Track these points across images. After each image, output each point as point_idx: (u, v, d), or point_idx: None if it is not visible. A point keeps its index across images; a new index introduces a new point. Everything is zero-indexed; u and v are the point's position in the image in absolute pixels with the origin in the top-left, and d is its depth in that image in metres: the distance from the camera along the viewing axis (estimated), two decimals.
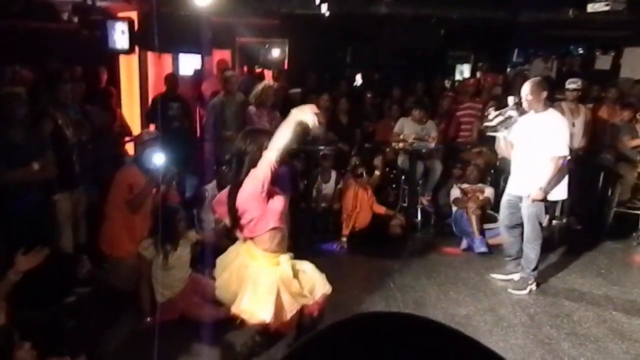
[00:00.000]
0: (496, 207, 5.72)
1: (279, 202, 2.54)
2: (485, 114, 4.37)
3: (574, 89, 5.85)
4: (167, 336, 3.04)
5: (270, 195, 2.50)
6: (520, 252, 4.30)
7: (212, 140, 5.46)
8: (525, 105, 4.03)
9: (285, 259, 2.64)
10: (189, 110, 5.96)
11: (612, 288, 4.33)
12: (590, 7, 4.81)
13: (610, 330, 3.60)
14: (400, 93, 7.31)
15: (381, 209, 5.48)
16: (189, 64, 7.45)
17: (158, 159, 3.72)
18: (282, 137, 2.41)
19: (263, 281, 2.55)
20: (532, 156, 4.01)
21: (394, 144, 5.90)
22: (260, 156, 2.48)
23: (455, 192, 5.55)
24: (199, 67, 7.10)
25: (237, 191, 2.52)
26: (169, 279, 3.53)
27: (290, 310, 2.57)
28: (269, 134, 2.57)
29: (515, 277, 4.30)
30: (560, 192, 4.10)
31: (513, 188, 4.22)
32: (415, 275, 4.52)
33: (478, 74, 10.65)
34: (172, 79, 5.66)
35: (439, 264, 4.79)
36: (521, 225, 4.21)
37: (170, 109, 5.32)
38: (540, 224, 4.12)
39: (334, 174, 5.65)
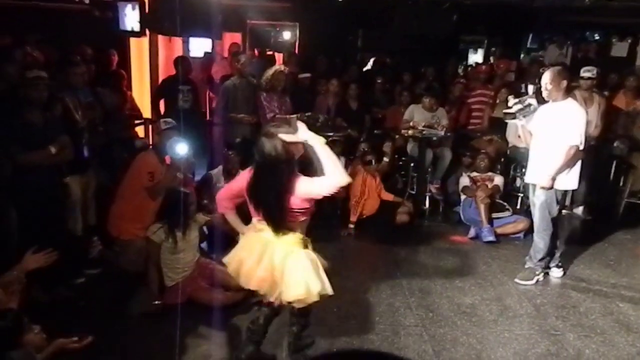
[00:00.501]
0: (505, 196, 5.72)
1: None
2: (506, 100, 4.33)
3: (589, 78, 5.75)
4: (174, 319, 3.10)
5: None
6: (553, 249, 4.27)
7: (222, 124, 5.46)
8: (545, 94, 3.99)
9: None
10: (198, 93, 5.95)
11: (620, 280, 4.31)
12: None
13: (617, 323, 3.59)
14: (411, 79, 7.24)
15: (389, 196, 5.47)
16: (199, 46, 7.44)
17: (181, 149, 3.78)
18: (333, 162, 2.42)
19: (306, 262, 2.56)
20: (548, 145, 4.00)
21: (403, 131, 5.86)
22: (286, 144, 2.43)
23: (464, 181, 5.52)
24: (209, 49, 7.07)
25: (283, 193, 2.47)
26: (178, 263, 3.57)
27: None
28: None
29: (556, 272, 4.32)
30: (571, 182, 4.06)
31: (528, 176, 4.24)
32: (422, 263, 4.53)
33: (491, 60, 10.50)
34: (183, 62, 5.64)
35: (446, 252, 4.79)
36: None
37: (180, 91, 5.31)
38: (551, 214, 4.08)
39: (342, 160, 5.62)
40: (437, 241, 5.06)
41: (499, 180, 5.47)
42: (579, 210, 5.92)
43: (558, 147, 3.93)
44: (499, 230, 5.12)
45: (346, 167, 5.60)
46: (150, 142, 5.51)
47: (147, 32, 5.81)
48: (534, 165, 4.14)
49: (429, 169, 5.95)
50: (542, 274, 4.25)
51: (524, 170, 5.85)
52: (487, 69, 7.30)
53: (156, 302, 3.48)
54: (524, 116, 4.08)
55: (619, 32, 9.55)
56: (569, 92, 4.11)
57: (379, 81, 7.07)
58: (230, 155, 4.74)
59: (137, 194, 3.89)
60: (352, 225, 5.19)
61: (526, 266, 4.27)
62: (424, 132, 5.70)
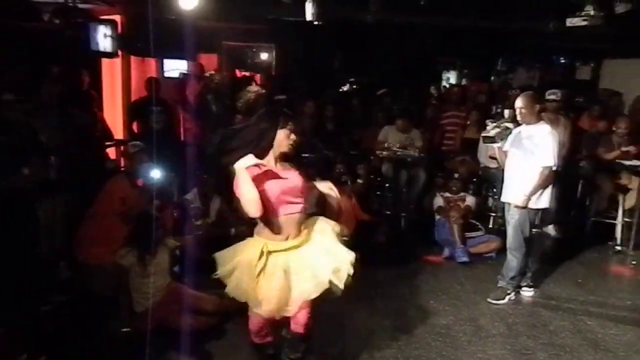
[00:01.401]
0: (478, 215, 5.81)
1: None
2: (477, 122, 4.44)
3: (554, 100, 5.94)
4: (144, 346, 3.02)
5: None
6: (524, 268, 4.35)
7: (196, 145, 5.42)
8: (519, 117, 4.14)
9: None
10: (172, 115, 5.92)
11: (588, 297, 4.40)
12: (569, 22, 4.89)
13: (585, 340, 3.66)
14: (387, 100, 7.36)
15: (365, 217, 5.50)
16: (174, 67, 7.41)
17: (154, 172, 3.75)
18: (244, 193, 2.39)
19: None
20: (522, 166, 4.13)
21: (378, 152, 5.93)
22: (274, 134, 2.47)
23: (438, 201, 5.60)
24: (184, 70, 7.05)
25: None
26: (147, 287, 3.50)
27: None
28: (289, 114, 2.59)
29: (527, 292, 4.40)
30: (543, 201, 4.18)
31: (503, 195, 4.35)
32: (397, 284, 4.54)
33: (464, 81, 10.77)
34: (153, 83, 5.62)
35: (421, 272, 4.82)
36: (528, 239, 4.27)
37: (151, 113, 5.27)
38: (524, 233, 4.16)
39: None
40: (412, 262, 5.09)
41: (471, 200, 5.56)
42: (549, 229, 6.05)
43: (532, 168, 4.06)
44: (472, 250, 5.19)
45: None
46: (122, 165, 5.44)
47: (120, 52, 5.77)
48: (509, 185, 4.25)
49: (404, 190, 6.02)
50: (514, 292, 4.31)
51: (495, 190, 6.00)
52: (459, 90, 7.48)
53: (125, 329, 3.39)
54: (502, 139, 4.20)
55: (583, 56, 9.94)
56: (540, 116, 4.25)
57: (355, 102, 7.17)
58: (206, 179, 4.71)
59: (108, 219, 3.83)
60: None
61: (498, 285, 4.33)
62: (398, 153, 5.79)
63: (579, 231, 6.02)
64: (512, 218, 4.20)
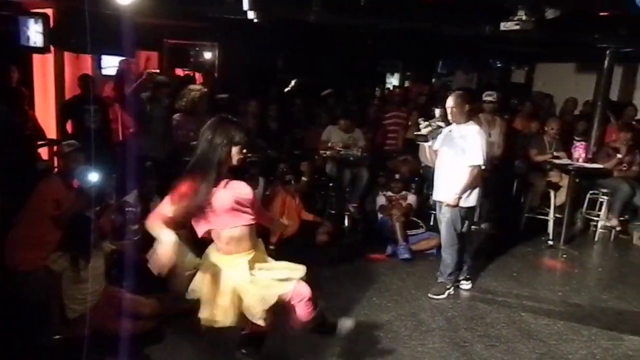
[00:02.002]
0: (419, 213, 5.96)
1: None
2: (417, 123, 4.52)
3: (490, 101, 6.20)
4: (79, 353, 2.89)
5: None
6: (460, 263, 4.47)
7: (135, 144, 5.24)
8: (449, 116, 4.26)
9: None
10: (108, 114, 5.70)
11: (522, 290, 4.61)
12: (503, 26, 5.10)
13: (519, 331, 3.83)
14: (330, 100, 7.42)
15: (309, 216, 5.52)
16: (112, 64, 7.14)
17: (91, 175, 3.57)
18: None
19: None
20: (451, 164, 4.24)
21: (321, 151, 5.97)
22: (229, 150, 2.40)
23: (380, 200, 5.69)
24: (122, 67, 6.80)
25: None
26: (81, 293, 3.34)
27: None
28: (240, 126, 2.51)
29: (462, 285, 4.52)
30: (472, 200, 4.31)
31: (436, 194, 4.44)
32: (341, 282, 4.58)
33: (407, 83, 11.05)
34: (88, 81, 5.38)
35: (365, 270, 4.88)
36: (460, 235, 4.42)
37: (86, 111, 5.05)
38: (457, 230, 4.29)
39: (262, 181, 5.61)
40: (356, 260, 5.15)
41: (412, 198, 5.69)
42: (486, 225, 6.29)
43: (462, 167, 4.17)
44: (413, 247, 5.31)
45: (266, 188, 5.60)
46: (55, 165, 5.18)
47: (52, 48, 5.49)
48: (439, 184, 4.36)
49: (348, 189, 6.08)
50: (453, 287, 4.45)
51: None
52: (401, 92, 7.66)
53: (56, 337, 3.23)
54: (433, 138, 4.30)
55: (518, 60, 10.44)
56: (472, 115, 4.40)
57: (298, 102, 7.18)
58: (146, 179, 4.56)
59: (40, 222, 3.62)
60: (272, 247, 5.15)
61: (438, 281, 4.45)
62: (341, 153, 5.84)
63: (514, 227, 6.31)
64: (444, 216, 4.30)
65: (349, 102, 7.42)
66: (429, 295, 4.34)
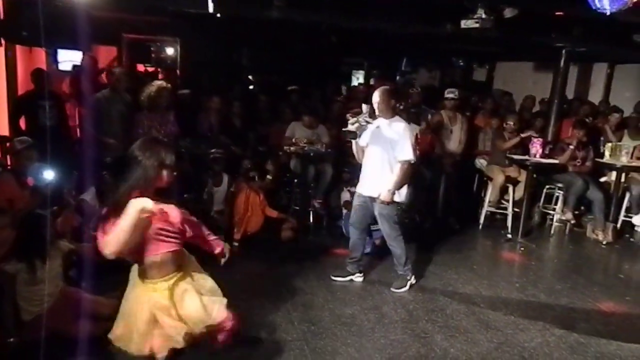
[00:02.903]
0: None
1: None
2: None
3: (452, 98, 6.34)
4: (35, 356, 2.80)
5: None
6: (363, 255, 4.55)
7: (93, 141, 5.11)
8: (376, 112, 4.24)
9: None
10: (64, 109, 5.52)
11: (481, 282, 4.73)
12: (463, 24, 5.22)
13: (478, 322, 3.93)
14: (294, 97, 7.41)
15: (273, 213, 5.50)
16: (69, 59, 6.94)
17: (46, 173, 3.45)
18: (121, 230, 2.20)
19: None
20: (381, 160, 4.22)
21: (285, 147, 5.96)
22: (158, 172, 2.33)
23: (345, 195, 5.73)
24: (78, 62, 6.61)
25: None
26: (37, 294, 3.24)
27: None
28: (169, 147, 2.44)
29: (356, 278, 4.53)
30: (403, 194, 4.30)
31: (364, 189, 4.38)
32: (306, 277, 4.59)
33: (372, 81, 11.14)
34: (41, 75, 5.19)
35: (329, 265, 4.90)
36: (369, 227, 4.53)
37: (40, 107, 4.88)
38: (397, 223, 4.33)
39: (226, 178, 5.57)
40: (320, 255, 5.17)
41: None
42: (449, 220, 6.42)
43: (391, 163, 4.18)
44: (377, 242, 5.37)
45: (230, 184, 5.55)
46: (8, 164, 5.00)
47: (3, 41, 5.28)
48: (369, 179, 4.31)
49: (312, 185, 6.10)
50: (414, 277, 4.49)
51: None
52: (364, 89, 7.72)
53: (10, 340, 3.12)
54: (361, 134, 4.24)
55: (479, 59, 10.69)
56: (396, 110, 4.38)
57: (263, 99, 7.15)
58: (105, 176, 4.45)
59: None
60: (236, 243, 5.13)
61: (399, 274, 4.51)
62: (305, 149, 5.85)
63: (475, 221, 6.47)
64: (381, 213, 4.28)
65: (314, 100, 7.43)
66: (392, 289, 4.40)
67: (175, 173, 2.42)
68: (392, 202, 4.22)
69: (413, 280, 4.48)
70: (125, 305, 2.49)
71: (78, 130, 6.05)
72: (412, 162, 4.25)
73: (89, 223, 4.15)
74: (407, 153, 4.16)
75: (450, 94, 6.36)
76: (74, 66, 6.57)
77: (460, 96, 6.55)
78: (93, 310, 3.36)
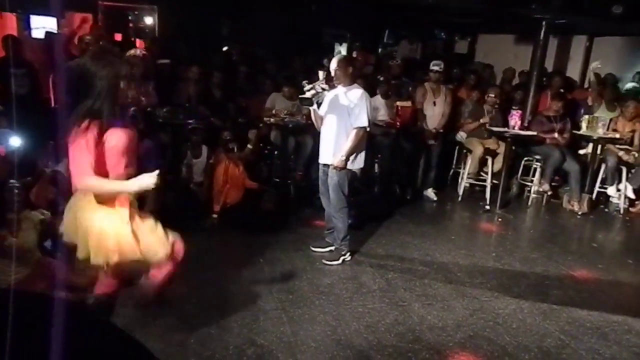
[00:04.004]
0: (363, 180, 6.04)
1: None
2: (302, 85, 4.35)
3: (436, 71, 6.31)
4: (4, 328, 2.77)
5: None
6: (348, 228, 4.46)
7: (69, 111, 4.97)
8: (334, 79, 4.20)
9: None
10: (38, 78, 5.36)
11: (459, 252, 4.80)
12: None
13: (455, 290, 4.00)
14: (275, 68, 7.30)
15: (253, 185, 5.47)
16: (42, 25, 6.71)
17: (13, 141, 3.35)
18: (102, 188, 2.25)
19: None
20: (337, 127, 4.18)
21: (265, 119, 5.90)
22: (116, 84, 2.29)
23: None
24: (52, 29, 6.40)
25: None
26: (8, 266, 3.19)
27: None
28: (122, 61, 2.43)
29: (347, 257, 4.45)
30: (359, 162, 4.27)
31: (322, 157, 4.36)
32: (285, 248, 4.60)
33: (354, 53, 11.02)
34: (13, 42, 5.02)
35: (308, 236, 4.90)
36: None
37: (13, 75, 4.73)
38: (344, 193, 4.28)
39: (205, 150, 5.51)
40: (300, 227, 5.18)
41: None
42: (429, 192, 6.48)
43: (348, 130, 4.14)
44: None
45: (209, 155, 5.50)
46: None
47: None
48: (325, 147, 4.29)
49: (292, 157, 6.06)
50: (348, 253, 4.40)
51: (380, 156, 6.28)
52: None
53: None
54: (318, 101, 4.19)
55: (460, 31, 10.63)
56: (354, 78, 4.31)
57: (243, 70, 7.03)
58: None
59: None
60: (215, 215, 5.11)
61: (334, 247, 4.42)
62: (285, 120, 5.79)
63: (454, 193, 6.54)
64: (332, 180, 4.23)
65: (296, 71, 7.33)
66: (323, 261, 4.30)
67: (133, 86, 2.38)
68: (344, 169, 4.17)
69: (348, 257, 4.37)
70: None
71: (52, 100, 5.88)
72: (368, 129, 4.19)
73: (63, 193, 4.08)
74: (362, 120, 4.12)
75: (435, 66, 6.32)
76: (47, 33, 6.34)
77: (444, 69, 6.52)
78: (69, 281, 3.33)
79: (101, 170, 2.35)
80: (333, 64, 4.19)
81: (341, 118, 4.16)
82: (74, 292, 3.28)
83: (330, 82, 4.23)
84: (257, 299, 3.65)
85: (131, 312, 3.28)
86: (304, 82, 4.25)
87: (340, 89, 4.22)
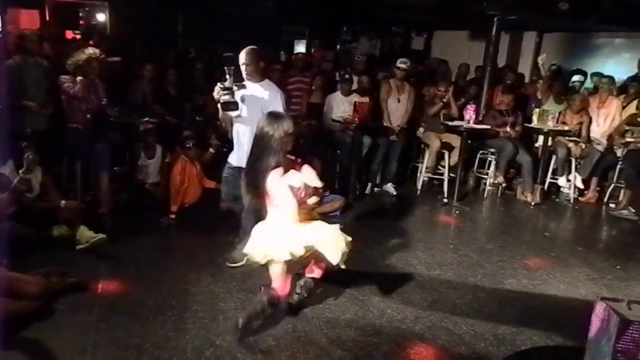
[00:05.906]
0: (323, 177, 6.03)
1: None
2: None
3: (403, 69, 6.39)
4: None
5: None
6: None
7: (7, 111, 4.75)
8: (244, 74, 3.87)
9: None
10: None
11: (418, 245, 4.87)
12: None
13: (414, 282, 4.06)
14: (227, 62, 7.20)
15: (211, 183, 5.37)
16: None
17: None
18: None
19: None
20: (253, 126, 3.53)
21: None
22: (287, 141, 3.06)
23: None
24: None
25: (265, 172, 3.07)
26: None
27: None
28: (290, 118, 3.09)
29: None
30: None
31: (235, 160, 4.09)
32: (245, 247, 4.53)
33: (312, 50, 11.03)
34: None
35: None
36: None
37: None
38: None
39: (159, 149, 5.39)
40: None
41: (316, 162, 5.74)
42: (388, 186, 6.55)
43: None
44: (318, 210, 5.38)
45: (164, 155, 5.38)
46: None
47: None
48: (241, 148, 3.99)
49: None
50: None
51: (339, 152, 6.31)
52: (303, 57, 7.62)
53: None
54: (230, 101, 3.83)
55: (417, 28, 10.80)
56: (265, 73, 4.07)
57: (199, 67, 6.92)
58: (23, 147, 4.17)
59: None
60: (173, 215, 5.00)
61: (237, 248, 4.04)
62: None
63: (413, 187, 6.64)
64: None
65: None
66: (227, 264, 4.06)
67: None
68: None
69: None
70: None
71: None
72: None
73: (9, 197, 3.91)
74: None
75: (402, 64, 6.39)
76: None
77: (410, 67, 6.58)
78: (16, 289, 3.19)
79: None
80: (242, 58, 3.84)
81: (256, 116, 3.66)
82: (23, 301, 3.16)
83: (239, 79, 3.86)
84: (216, 299, 3.60)
85: (84, 319, 3.18)
86: (218, 84, 3.81)
87: (251, 85, 3.91)
